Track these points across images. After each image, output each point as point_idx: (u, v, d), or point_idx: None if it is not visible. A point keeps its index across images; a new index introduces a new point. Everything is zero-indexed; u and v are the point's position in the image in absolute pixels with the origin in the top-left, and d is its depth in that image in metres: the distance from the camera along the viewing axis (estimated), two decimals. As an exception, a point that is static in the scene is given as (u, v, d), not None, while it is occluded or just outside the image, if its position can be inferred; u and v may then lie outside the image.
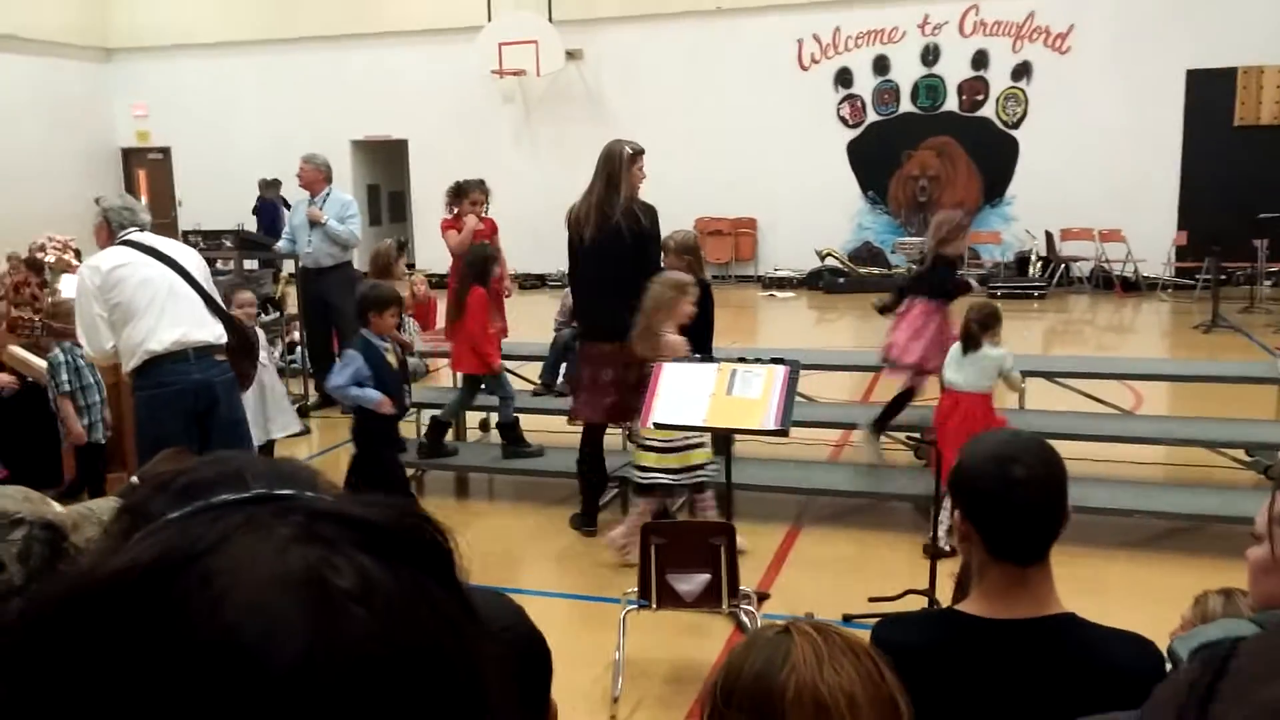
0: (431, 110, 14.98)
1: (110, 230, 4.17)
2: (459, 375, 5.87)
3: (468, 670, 0.43)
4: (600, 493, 5.10)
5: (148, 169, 16.95)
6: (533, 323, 7.98)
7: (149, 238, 4.19)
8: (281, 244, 7.59)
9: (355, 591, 0.40)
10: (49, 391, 5.16)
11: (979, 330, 4.71)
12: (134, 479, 1.99)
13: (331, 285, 7.30)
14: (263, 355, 5.27)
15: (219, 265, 7.33)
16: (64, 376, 5.07)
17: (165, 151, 16.74)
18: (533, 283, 13.95)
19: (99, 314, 4.01)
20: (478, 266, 5.62)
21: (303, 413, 7.41)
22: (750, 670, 1.13)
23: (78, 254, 5.66)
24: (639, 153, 4.85)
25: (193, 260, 4.24)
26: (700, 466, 4.53)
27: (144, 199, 16.75)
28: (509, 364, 6.56)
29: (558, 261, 6.56)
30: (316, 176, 7.41)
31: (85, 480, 5.24)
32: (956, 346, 4.78)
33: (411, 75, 14.98)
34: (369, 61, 15.22)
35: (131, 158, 17.08)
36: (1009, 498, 1.50)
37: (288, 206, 10.01)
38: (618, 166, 4.81)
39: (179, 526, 0.42)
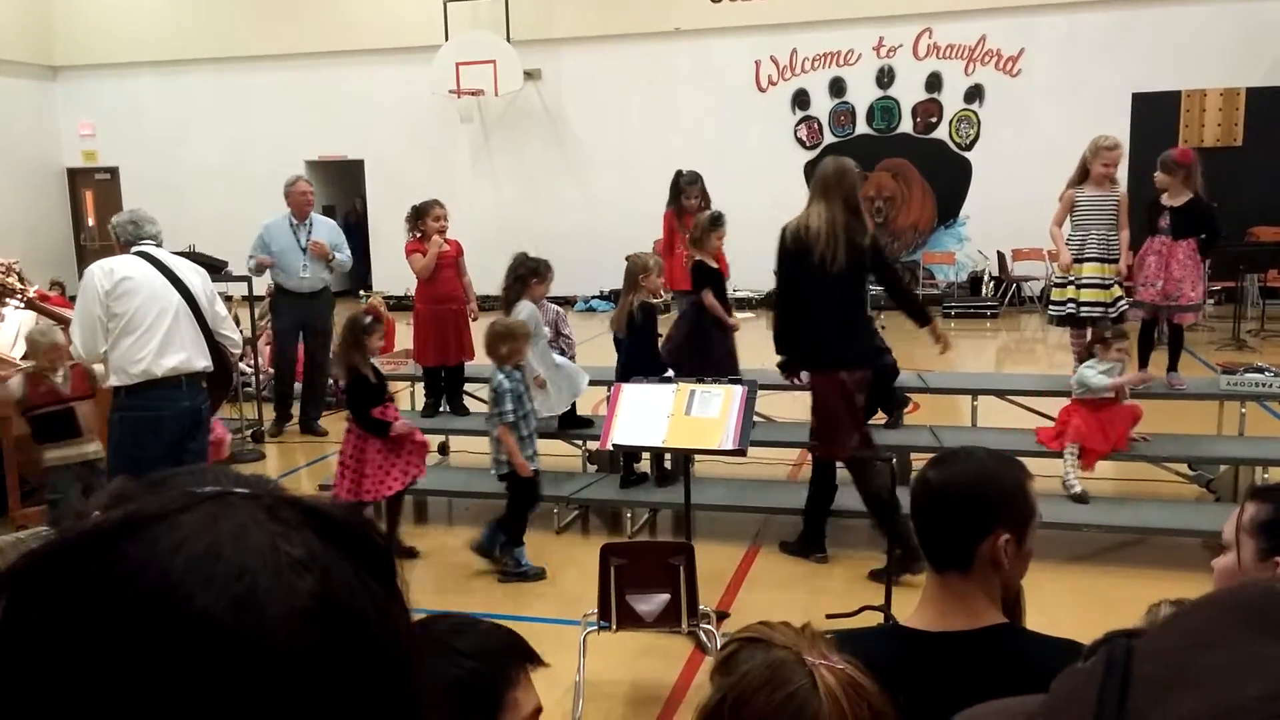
0: (388, 130, 14.93)
1: (121, 246, 4.29)
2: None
3: (392, 647, 0.47)
4: (825, 520, 4.81)
5: (95, 189, 16.65)
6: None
7: (162, 253, 4.29)
8: (254, 265, 7.18)
9: (303, 559, 0.45)
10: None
11: None
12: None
13: (320, 309, 7.28)
14: (547, 332, 5.30)
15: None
16: (508, 405, 4.64)
17: (113, 171, 16.47)
18: (491, 304, 13.90)
19: (99, 317, 4.03)
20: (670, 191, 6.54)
21: (258, 439, 7.29)
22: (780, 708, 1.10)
23: (21, 277, 5.53)
24: (864, 174, 4.69)
25: (198, 283, 4.30)
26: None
27: (91, 220, 16.47)
28: (469, 386, 6.55)
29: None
30: (313, 199, 7.34)
31: None
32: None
33: (368, 95, 14.92)
34: (324, 80, 15.14)
35: (78, 178, 16.77)
36: (921, 501, 1.59)
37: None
38: (854, 187, 4.46)
39: (153, 496, 0.47)
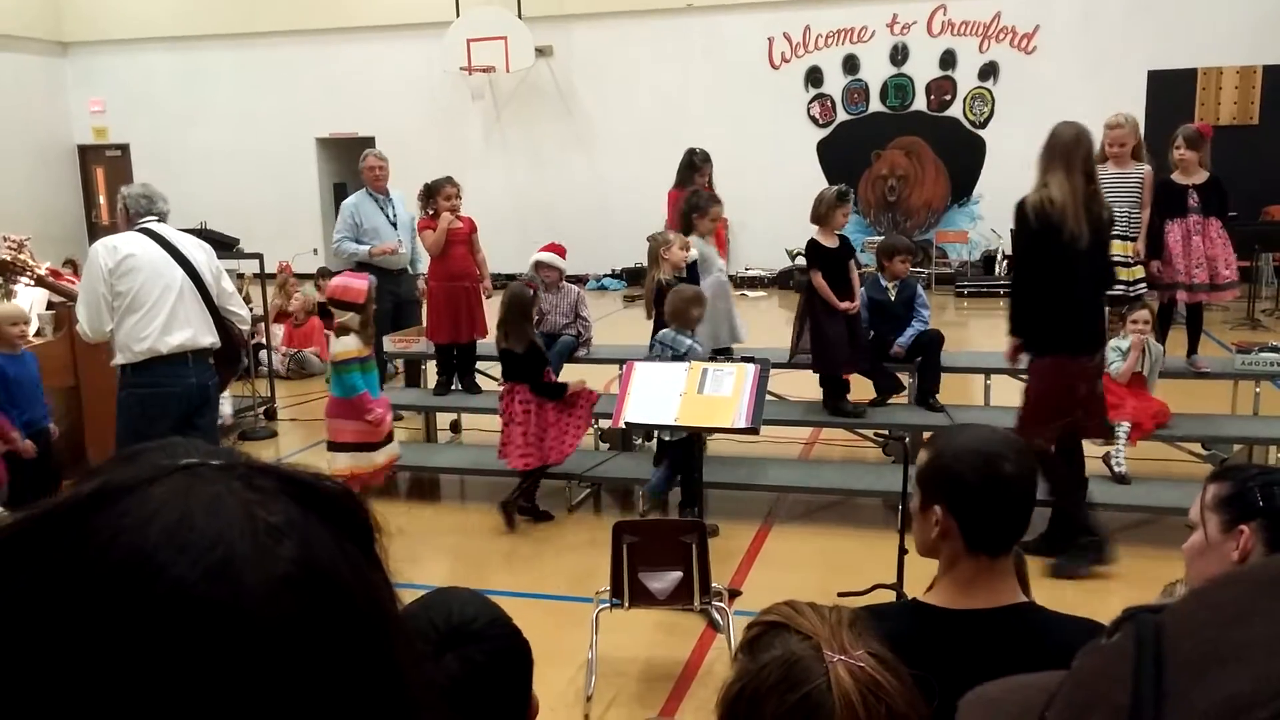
0: (399, 107, 14.87)
1: (129, 217, 4.27)
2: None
3: (374, 613, 0.46)
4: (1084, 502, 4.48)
5: (105, 166, 16.65)
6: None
7: (167, 230, 4.26)
8: (350, 245, 6.75)
9: (281, 526, 0.44)
10: None
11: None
12: None
13: (408, 285, 7.06)
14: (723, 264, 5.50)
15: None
16: None
17: (124, 148, 16.46)
18: (503, 282, 13.90)
19: (103, 294, 4.04)
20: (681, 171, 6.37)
21: (270, 416, 7.31)
22: (793, 700, 1.08)
23: (31, 254, 5.57)
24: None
25: (203, 259, 4.28)
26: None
27: (102, 198, 16.49)
28: (482, 364, 6.55)
29: (529, 259, 6.55)
30: (386, 171, 7.06)
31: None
32: None
33: (379, 72, 14.85)
34: (335, 57, 15.07)
35: (88, 155, 16.77)
36: (998, 494, 1.55)
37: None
38: (1091, 153, 4.16)
39: (124, 469, 0.46)
